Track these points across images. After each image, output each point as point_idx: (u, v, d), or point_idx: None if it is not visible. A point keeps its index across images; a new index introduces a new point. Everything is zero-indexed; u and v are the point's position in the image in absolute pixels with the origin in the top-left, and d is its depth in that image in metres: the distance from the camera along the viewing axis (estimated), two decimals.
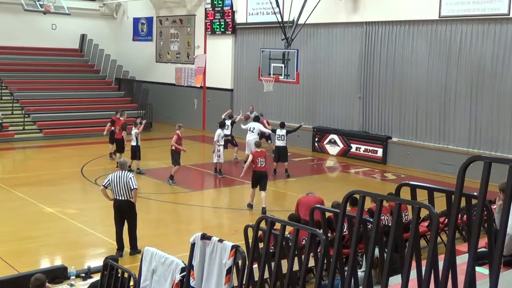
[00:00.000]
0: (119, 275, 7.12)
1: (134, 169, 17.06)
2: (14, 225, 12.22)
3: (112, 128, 19.28)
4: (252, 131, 18.89)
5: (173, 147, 16.42)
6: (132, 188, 10.33)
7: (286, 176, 17.79)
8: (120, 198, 10.38)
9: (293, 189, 16.50)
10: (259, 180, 13.99)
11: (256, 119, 19.90)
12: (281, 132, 17.88)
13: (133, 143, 17.49)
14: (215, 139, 17.49)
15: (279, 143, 17.86)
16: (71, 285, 8.97)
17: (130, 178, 10.36)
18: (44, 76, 27.70)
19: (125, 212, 10.51)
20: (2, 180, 16.33)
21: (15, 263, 9.94)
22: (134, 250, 10.60)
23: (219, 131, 17.58)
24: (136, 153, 17.54)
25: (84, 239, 11.61)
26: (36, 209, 13.45)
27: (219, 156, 17.43)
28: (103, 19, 31.49)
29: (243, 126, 19.70)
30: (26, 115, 24.64)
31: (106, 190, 10.61)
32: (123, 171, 10.50)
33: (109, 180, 10.47)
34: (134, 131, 17.45)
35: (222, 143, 17.64)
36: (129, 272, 7.12)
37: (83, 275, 9.31)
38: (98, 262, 9.16)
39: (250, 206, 14.11)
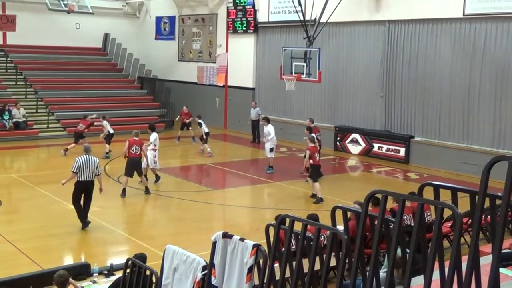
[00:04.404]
0: (142, 272, 7.18)
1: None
2: (38, 222, 12.37)
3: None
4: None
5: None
6: (99, 173, 12.02)
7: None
8: (87, 179, 11.78)
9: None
10: (320, 172, 15.01)
11: (265, 119, 18.93)
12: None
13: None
14: (151, 143, 15.95)
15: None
16: (94, 281, 9.08)
17: (98, 163, 12.05)
18: (68, 75, 27.99)
19: (88, 190, 11.91)
20: (27, 178, 16.56)
21: (39, 259, 10.07)
22: (87, 222, 11.88)
23: (155, 135, 16.13)
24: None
25: (106, 237, 11.70)
26: (59, 206, 13.58)
27: (156, 162, 15.99)
28: (126, 18, 31.70)
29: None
30: (50, 114, 24.95)
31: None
32: (89, 155, 11.94)
33: (78, 164, 11.73)
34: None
35: (157, 147, 16.10)
36: (151, 270, 7.17)
37: (106, 272, 9.41)
38: (121, 260, 9.24)
39: (321, 200, 14.33)
